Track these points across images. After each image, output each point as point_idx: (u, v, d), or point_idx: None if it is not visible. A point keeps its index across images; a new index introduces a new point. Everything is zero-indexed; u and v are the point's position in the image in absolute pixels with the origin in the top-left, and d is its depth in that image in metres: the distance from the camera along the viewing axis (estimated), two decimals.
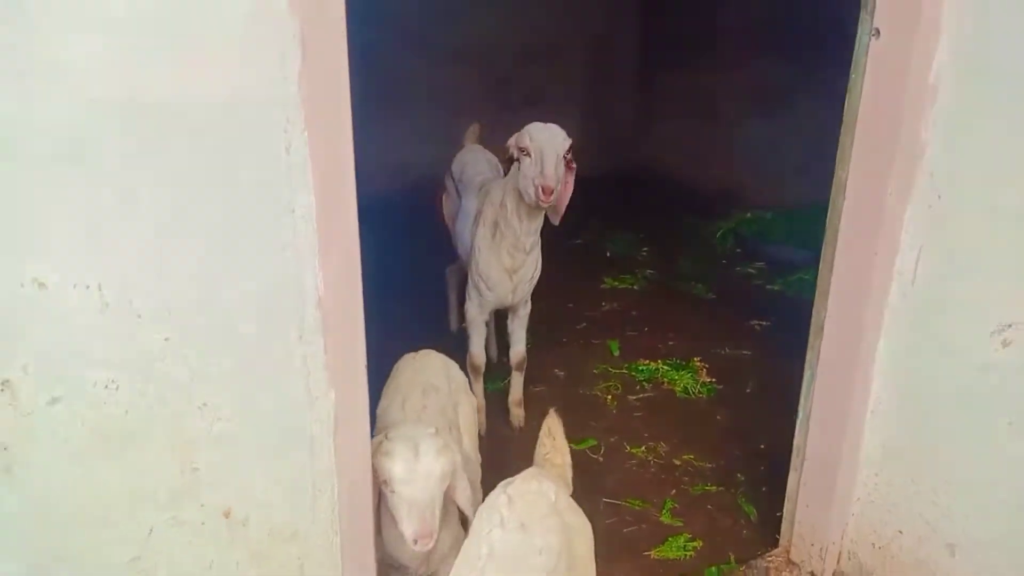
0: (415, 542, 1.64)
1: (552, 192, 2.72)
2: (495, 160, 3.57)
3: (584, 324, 4.41)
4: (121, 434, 1.25)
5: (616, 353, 4.08)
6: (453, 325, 4.08)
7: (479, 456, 2.52)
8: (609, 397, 3.70)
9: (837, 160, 2.33)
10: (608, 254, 5.39)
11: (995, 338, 2.09)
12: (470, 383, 2.84)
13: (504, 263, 3.09)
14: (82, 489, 1.24)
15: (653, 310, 4.60)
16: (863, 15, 2.19)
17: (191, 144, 1.21)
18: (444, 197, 3.74)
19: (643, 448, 3.33)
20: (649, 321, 4.44)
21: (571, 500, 1.93)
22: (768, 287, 4.91)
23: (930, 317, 2.24)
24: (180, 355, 1.25)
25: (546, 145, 2.76)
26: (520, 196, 2.90)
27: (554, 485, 1.86)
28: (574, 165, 2.91)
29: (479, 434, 2.74)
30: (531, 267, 3.18)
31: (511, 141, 2.90)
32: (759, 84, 5.91)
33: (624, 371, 3.91)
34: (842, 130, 2.30)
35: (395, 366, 2.52)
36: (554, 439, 2.17)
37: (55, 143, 1.13)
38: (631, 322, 4.44)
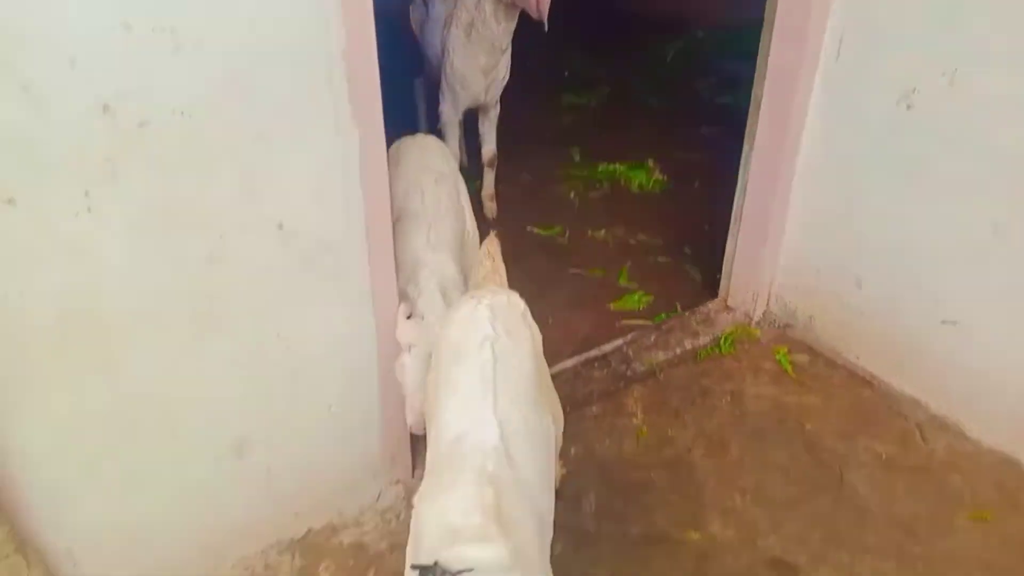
0: None
1: None
2: None
3: (547, 134, 4.72)
4: (195, 158, 1.58)
5: (577, 158, 4.43)
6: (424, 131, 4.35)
7: (476, 230, 2.73)
8: (572, 194, 4.09)
9: None
10: (566, 73, 5.62)
11: (901, 103, 2.47)
12: None
13: (480, 62, 3.34)
14: (170, 200, 1.58)
15: (610, 121, 4.92)
16: None
17: None
18: (411, 8, 3.87)
19: (603, 231, 3.77)
20: (606, 131, 4.77)
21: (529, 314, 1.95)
22: (717, 100, 5.22)
23: (850, 88, 2.60)
24: (236, 90, 1.56)
25: None
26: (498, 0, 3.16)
27: (522, 301, 1.90)
28: None
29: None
30: (504, 67, 3.46)
31: None
32: None
33: (585, 173, 4.28)
34: None
35: (395, 148, 2.62)
36: (493, 260, 2.14)
37: None
38: (590, 132, 4.76)
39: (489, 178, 3.81)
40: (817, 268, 2.92)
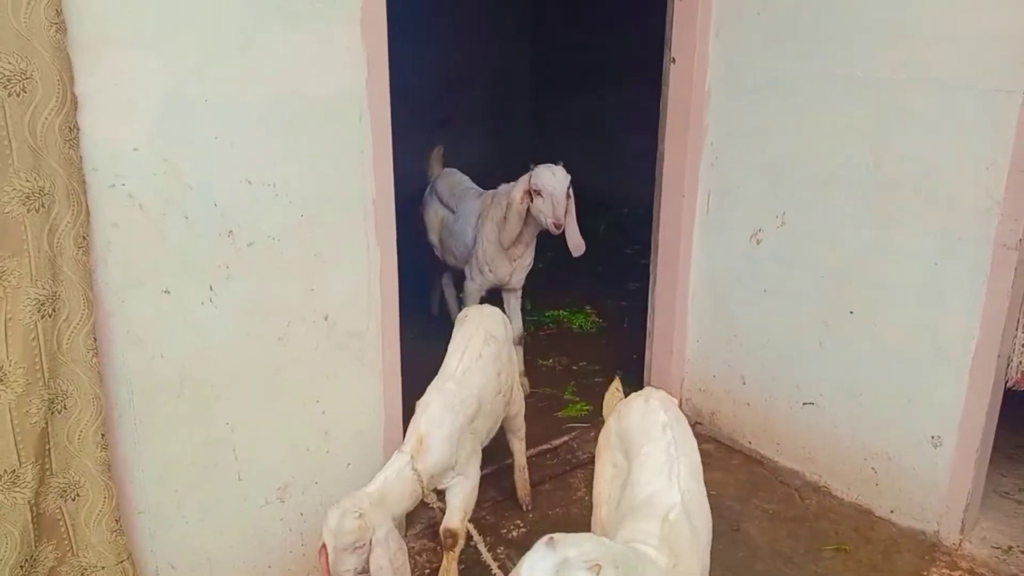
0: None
1: (561, 223, 3.58)
2: (467, 178, 4.50)
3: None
4: (278, 267, 2.41)
5: (529, 307, 5.34)
6: (435, 310, 4.98)
7: (521, 394, 3.17)
8: (525, 334, 4.94)
9: (658, 140, 3.70)
10: None
11: (752, 239, 3.47)
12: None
13: (508, 251, 3.87)
14: (260, 296, 2.40)
15: (556, 278, 5.90)
16: (666, 49, 3.58)
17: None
18: (426, 214, 4.53)
19: (551, 360, 4.63)
20: (553, 285, 5.74)
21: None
22: (642, 261, 6.25)
23: (719, 231, 3.62)
24: (307, 223, 2.44)
25: (555, 188, 3.55)
26: (528, 210, 3.68)
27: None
28: (571, 194, 3.67)
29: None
30: (528, 256, 4.02)
31: (524, 183, 3.62)
32: (632, 104, 7.38)
33: (535, 318, 5.19)
34: (660, 121, 3.67)
35: (460, 317, 3.00)
36: (621, 393, 2.68)
37: None
38: (539, 287, 5.66)
39: (518, 355, 3.98)
40: (713, 373, 3.78)
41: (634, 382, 4.23)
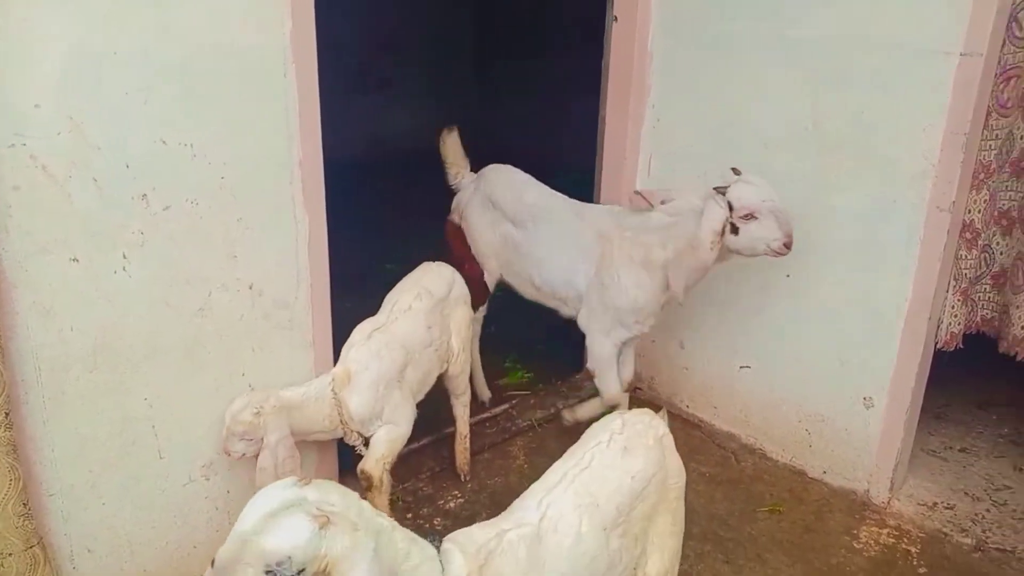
0: None
1: (792, 239, 2.69)
2: (536, 182, 3.39)
3: (444, 257, 5.54)
4: (198, 233, 2.27)
5: None
6: (485, 395, 3.79)
7: (467, 356, 3.11)
8: None
9: (600, 102, 3.62)
10: None
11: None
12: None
13: (661, 298, 3.00)
14: (178, 264, 2.26)
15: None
16: (608, 7, 3.49)
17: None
18: (473, 227, 3.46)
19: (493, 328, 4.45)
20: None
21: (674, 446, 2.06)
22: None
23: None
24: (228, 185, 2.29)
25: (773, 199, 2.70)
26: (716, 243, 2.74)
27: (665, 426, 2.03)
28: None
29: None
30: None
31: (719, 215, 2.70)
32: (579, 65, 7.28)
33: None
34: (601, 83, 3.60)
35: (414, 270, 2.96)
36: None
37: None
38: None
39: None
40: (651, 337, 3.77)
41: (575, 349, 4.21)
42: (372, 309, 2.84)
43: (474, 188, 3.47)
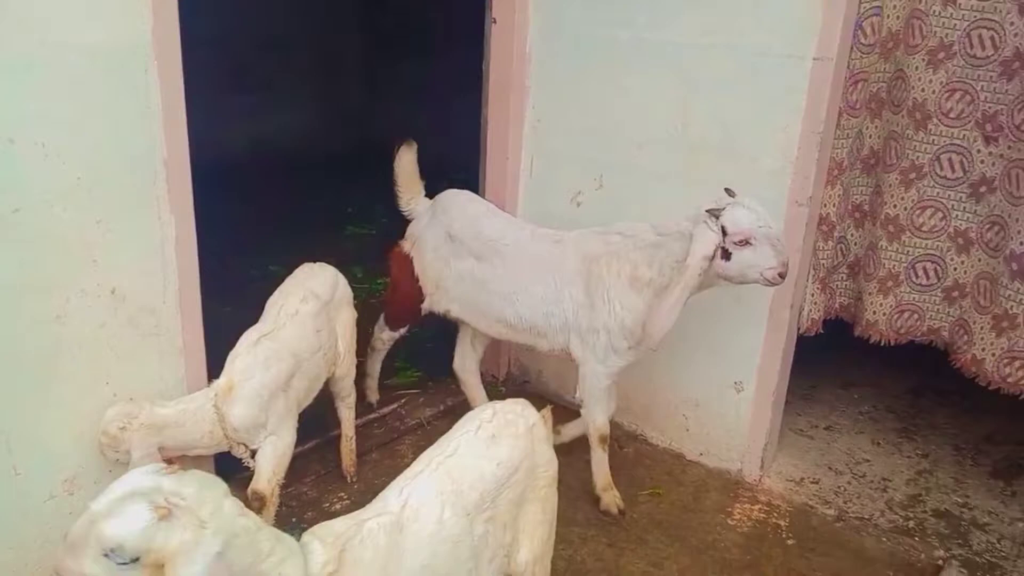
0: None
1: (787, 267, 2.62)
2: (496, 210, 3.25)
3: (331, 259, 5.46)
4: (53, 235, 2.16)
5: (360, 275, 5.21)
6: (374, 397, 3.72)
7: (355, 358, 3.10)
8: (355, 302, 4.81)
9: (482, 103, 3.66)
10: (349, 210, 6.50)
11: (573, 202, 3.54)
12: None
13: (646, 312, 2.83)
14: (32, 268, 2.14)
15: (388, 245, 5.79)
16: (487, 9, 3.53)
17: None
18: (421, 257, 3.28)
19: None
20: (385, 252, 5.62)
21: (548, 437, 2.11)
22: None
23: (542, 194, 3.66)
24: (86, 186, 2.19)
25: (769, 224, 2.60)
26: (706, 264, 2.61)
27: (536, 415, 2.06)
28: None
29: None
30: None
31: (710, 240, 2.57)
32: (466, 67, 7.32)
33: (366, 286, 5.07)
34: (483, 84, 3.64)
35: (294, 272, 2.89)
36: (546, 421, 2.21)
37: None
38: (371, 254, 5.56)
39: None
40: None
41: None
42: (255, 313, 2.77)
43: (430, 218, 3.28)
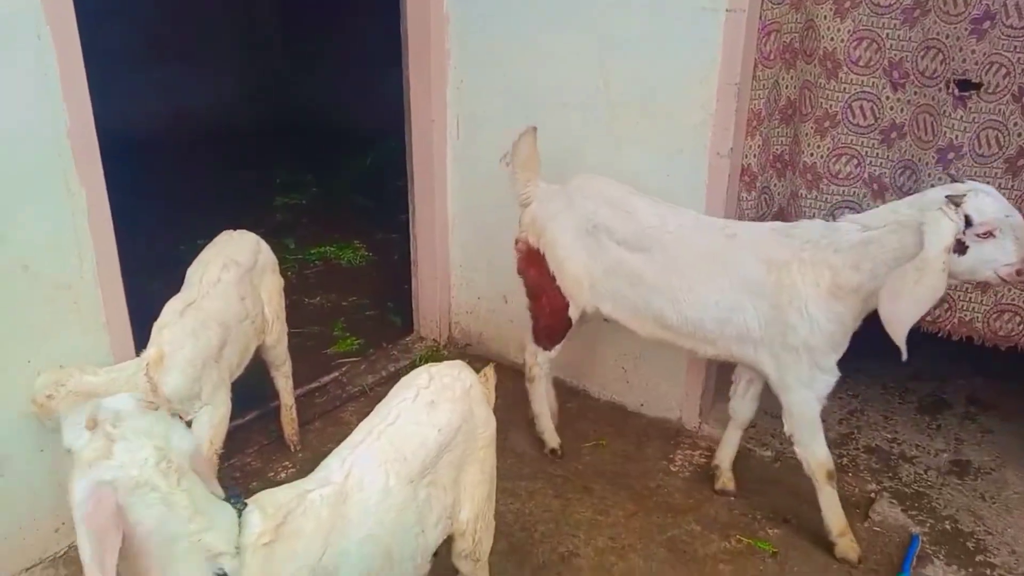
0: None
1: None
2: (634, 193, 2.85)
3: (261, 230, 5.35)
4: None
5: (292, 246, 5.12)
6: (554, 442, 3.24)
7: (285, 326, 3.05)
8: (289, 274, 4.73)
9: (403, 67, 3.60)
10: (277, 181, 6.36)
11: (502, 163, 3.50)
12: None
13: (852, 329, 2.55)
14: None
15: (320, 215, 5.73)
16: None
17: None
18: (545, 251, 2.91)
19: (318, 298, 4.48)
20: (317, 222, 5.56)
21: (484, 397, 2.08)
22: None
23: (470, 157, 3.64)
24: None
25: (1016, 218, 2.25)
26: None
27: (473, 377, 2.04)
28: None
29: None
30: None
31: (948, 230, 2.19)
32: (390, 34, 7.17)
33: (299, 257, 4.99)
34: (402, 47, 3.56)
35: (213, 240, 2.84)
36: (488, 380, 2.22)
37: None
38: (302, 224, 5.52)
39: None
40: (477, 295, 3.86)
41: (405, 312, 4.22)
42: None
43: (563, 205, 2.88)
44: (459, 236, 3.81)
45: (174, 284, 2.72)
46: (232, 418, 2.68)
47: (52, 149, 2.22)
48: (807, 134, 3.22)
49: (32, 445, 2.40)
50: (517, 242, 3.02)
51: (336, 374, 3.72)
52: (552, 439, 3.24)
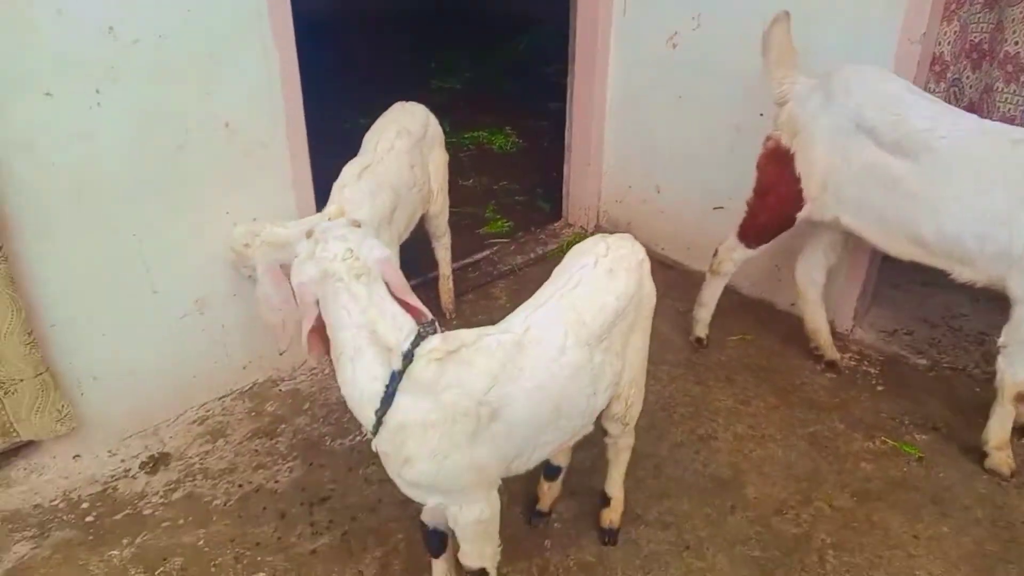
0: None
1: None
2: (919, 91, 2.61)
3: None
4: (170, 69, 2.26)
5: (447, 128, 5.20)
6: (702, 332, 3.26)
7: (447, 198, 3.20)
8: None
9: None
10: (432, 65, 6.45)
11: (668, 44, 3.42)
12: None
13: None
14: (154, 100, 2.26)
15: (472, 100, 5.80)
16: None
17: None
18: (796, 151, 2.72)
19: (471, 180, 4.60)
20: (470, 107, 5.63)
21: (650, 271, 2.13)
22: (562, 80, 6.15)
23: (635, 37, 3.55)
24: (196, 20, 2.27)
25: None
26: None
27: (644, 251, 2.09)
28: None
29: None
30: None
31: None
32: None
33: (453, 140, 5.09)
34: None
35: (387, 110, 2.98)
36: None
37: None
38: (457, 108, 5.58)
39: None
40: (629, 184, 3.84)
41: (553, 199, 4.28)
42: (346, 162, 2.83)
43: (823, 101, 2.65)
44: (616, 123, 3.77)
45: (337, 156, 2.87)
46: None
47: (252, 12, 2.36)
48: (1014, 20, 2.92)
49: (227, 290, 2.67)
50: (768, 139, 2.83)
51: (488, 252, 3.87)
52: (702, 329, 3.26)
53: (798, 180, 2.73)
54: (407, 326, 1.65)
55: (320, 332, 1.69)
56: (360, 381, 1.65)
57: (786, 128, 2.75)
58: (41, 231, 2.19)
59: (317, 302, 1.65)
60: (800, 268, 3.12)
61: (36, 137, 2.09)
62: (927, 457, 2.71)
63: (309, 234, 1.69)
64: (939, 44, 2.92)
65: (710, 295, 3.19)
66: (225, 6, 2.31)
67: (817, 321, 3.16)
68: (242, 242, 2.44)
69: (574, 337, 1.85)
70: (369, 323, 1.62)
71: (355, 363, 1.64)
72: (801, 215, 2.79)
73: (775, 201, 2.83)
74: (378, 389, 1.63)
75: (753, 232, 2.97)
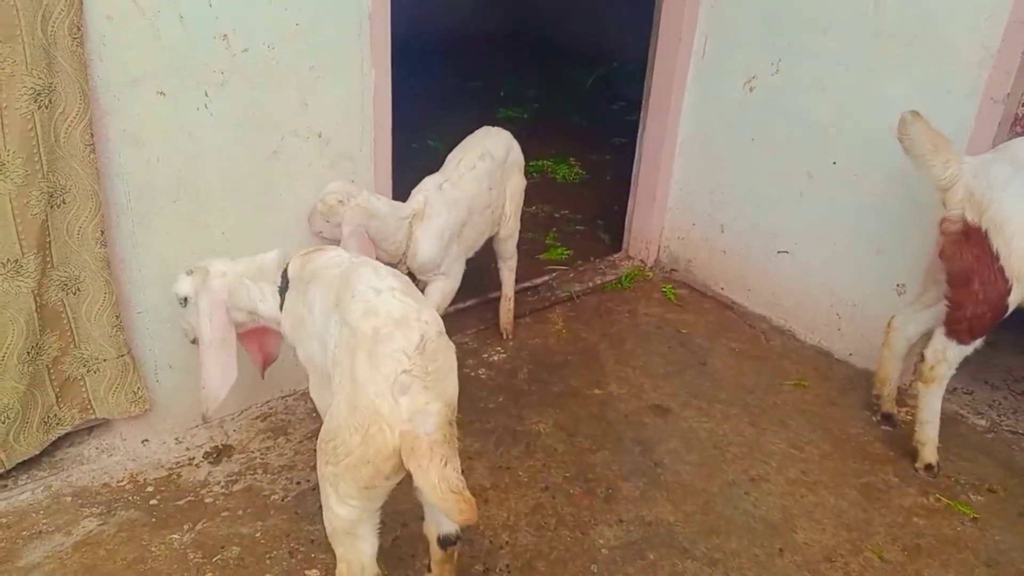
0: None
1: None
2: None
3: None
4: (273, 78, 2.38)
5: None
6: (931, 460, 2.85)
7: (519, 223, 3.28)
8: None
9: None
10: (502, 93, 6.59)
11: (746, 87, 3.47)
12: None
13: None
14: (255, 106, 2.38)
15: (539, 130, 5.88)
16: None
17: None
18: (990, 229, 2.50)
19: (534, 208, 4.67)
20: (536, 136, 5.68)
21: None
22: (628, 117, 6.25)
23: (712, 78, 3.60)
24: (302, 32, 2.38)
25: None
26: None
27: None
28: None
29: None
30: None
31: None
32: None
33: None
34: None
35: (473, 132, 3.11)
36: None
37: None
38: (522, 137, 5.58)
39: None
40: (692, 221, 3.87)
41: (613, 232, 4.33)
42: (415, 182, 2.89)
43: (1010, 170, 2.47)
44: (684, 160, 3.82)
45: (405, 177, 2.95)
46: (453, 302, 2.96)
47: (354, 28, 2.48)
48: None
49: None
50: (943, 222, 2.61)
51: (547, 278, 3.92)
52: (931, 453, 2.84)
53: (997, 259, 2.51)
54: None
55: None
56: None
57: (968, 205, 2.54)
58: (139, 221, 2.31)
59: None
60: (900, 317, 3.01)
61: (145, 132, 2.22)
62: (982, 518, 2.66)
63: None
64: (1022, 104, 2.92)
65: (931, 411, 2.82)
66: (329, 23, 2.43)
67: (890, 371, 3.11)
68: (337, 198, 2.49)
69: None
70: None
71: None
72: (1012, 298, 2.52)
73: (981, 287, 2.55)
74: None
75: (966, 326, 2.66)
